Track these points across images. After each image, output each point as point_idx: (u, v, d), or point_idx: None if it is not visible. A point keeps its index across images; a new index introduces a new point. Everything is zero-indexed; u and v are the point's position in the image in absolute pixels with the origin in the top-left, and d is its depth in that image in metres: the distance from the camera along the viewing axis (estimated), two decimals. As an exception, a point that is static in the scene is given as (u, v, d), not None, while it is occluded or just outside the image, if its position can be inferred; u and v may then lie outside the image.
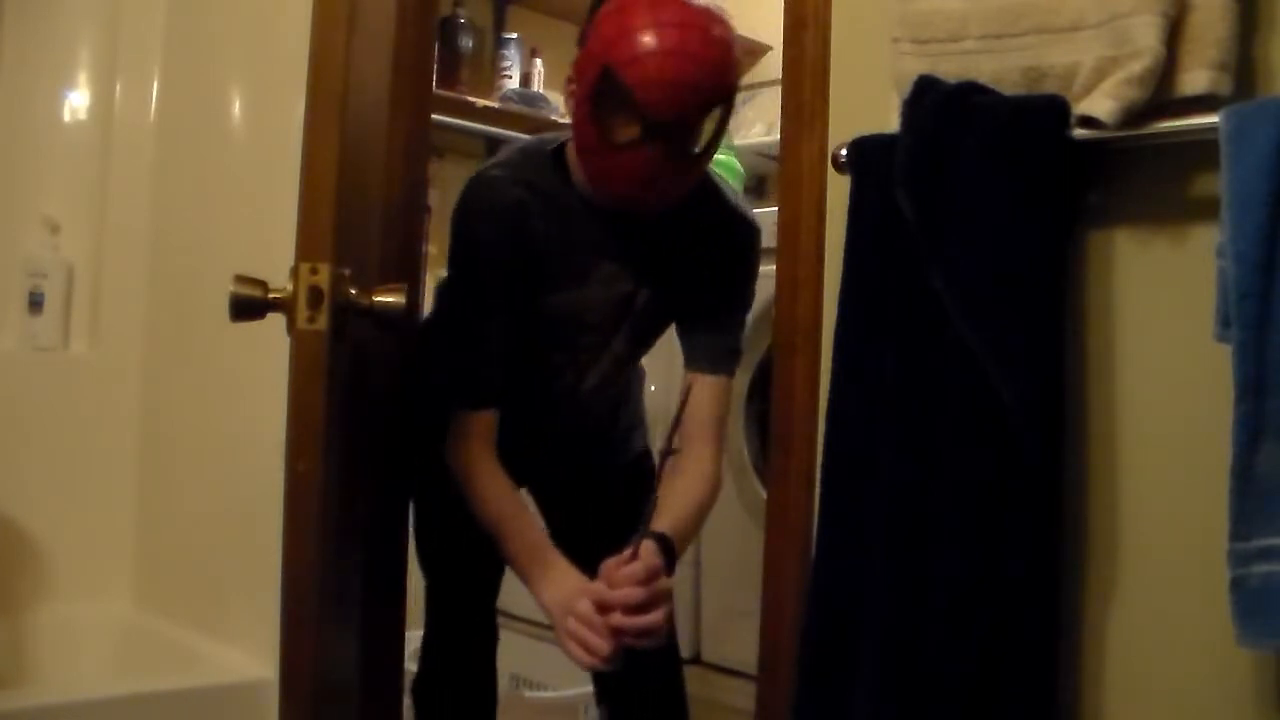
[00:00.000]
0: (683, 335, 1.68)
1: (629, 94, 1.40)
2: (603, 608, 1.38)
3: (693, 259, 1.62)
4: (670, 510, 1.50)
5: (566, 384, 1.69)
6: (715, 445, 1.61)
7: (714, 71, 1.42)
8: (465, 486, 1.56)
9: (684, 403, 1.51)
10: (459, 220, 1.59)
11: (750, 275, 1.65)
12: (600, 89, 1.43)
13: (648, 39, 1.41)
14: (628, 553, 1.40)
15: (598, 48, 1.45)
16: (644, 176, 1.46)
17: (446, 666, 1.80)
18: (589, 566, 1.46)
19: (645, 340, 1.72)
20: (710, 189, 1.63)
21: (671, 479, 1.52)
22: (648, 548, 1.41)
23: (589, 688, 2.51)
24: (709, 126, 1.46)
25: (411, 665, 1.81)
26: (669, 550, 1.45)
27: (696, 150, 1.47)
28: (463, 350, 1.59)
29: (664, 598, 1.39)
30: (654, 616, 1.37)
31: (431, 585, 1.80)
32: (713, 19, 1.45)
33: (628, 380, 1.83)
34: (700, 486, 1.58)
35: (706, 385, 1.61)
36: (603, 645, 1.37)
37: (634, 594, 1.36)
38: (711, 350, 1.64)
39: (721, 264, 1.63)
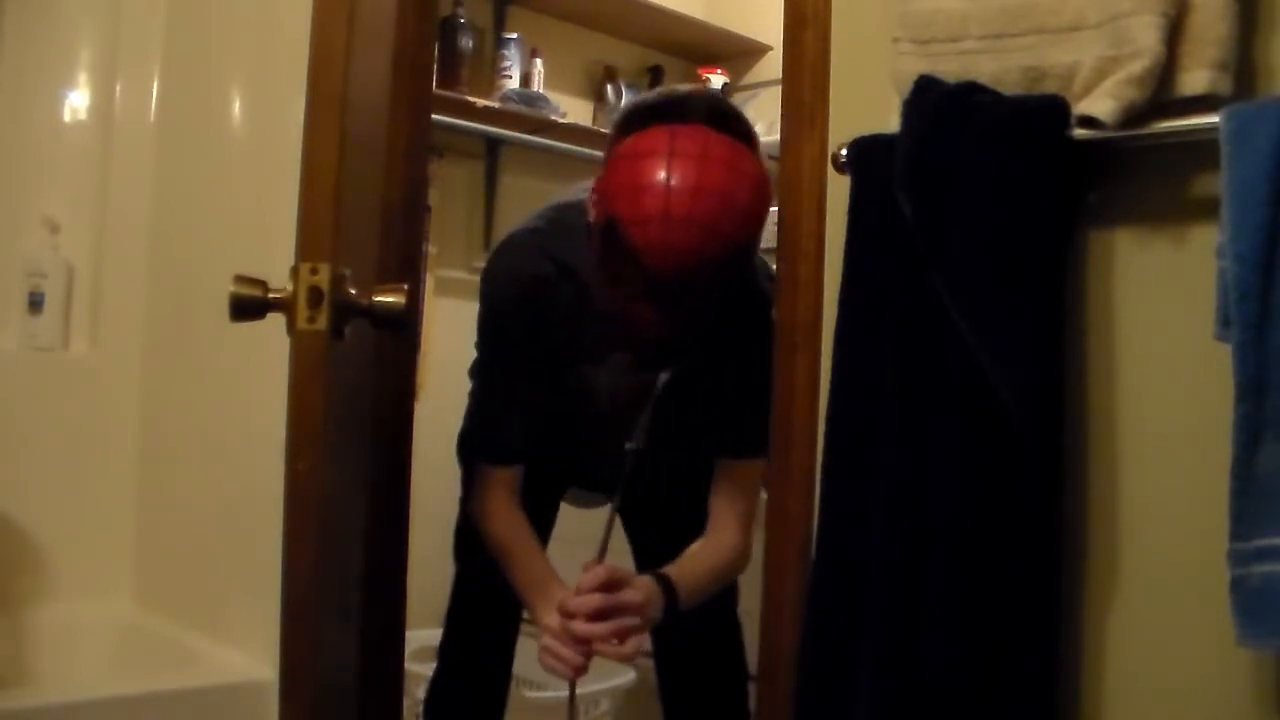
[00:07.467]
0: (708, 423, 1.62)
1: (634, 251, 1.36)
2: (566, 614, 1.41)
3: (710, 344, 1.56)
4: (681, 562, 1.56)
5: (609, 455, 1.69)
6: (744, 531, 1.61)
7: (730, 235, 1.36)
8: (481, 525, 1.64)
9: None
10: (484, 282, 1.64)
11: (767, 348, 1.50)
12: (607, 233, 1.39)
13: (656, 200, 1.32)
14: (592, 561, 1.44)
15: (608, 189, 1.39)
16: (644, 323, 1.44)
17: (466, 659, 1.80)
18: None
19: (672, 436, 1.63)
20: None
21: (697, 543, 1.61)
22: (609, 566, 1.44)
23: (589, 688, 2.53)
24: (720, 279, 1.41)
25: (412, 665, 1.81)
26: (669, 590, 1.49)
27: (702, 303, 1.42)
28: (484, 410, 1.65)
29: (629, 610, 1.41)
30: (612, 625, 1.39)
31: (462, 573, 1.81)
32: (733, 172, 1.36)
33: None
34: (717, 555, 1.60)
35: (734, 471, 1.61)
36: (567, 653, 1.40)
37: (591, 600, 1.39)
38: (735, 434, 1.60)
39: (739, 343, 1.56)
